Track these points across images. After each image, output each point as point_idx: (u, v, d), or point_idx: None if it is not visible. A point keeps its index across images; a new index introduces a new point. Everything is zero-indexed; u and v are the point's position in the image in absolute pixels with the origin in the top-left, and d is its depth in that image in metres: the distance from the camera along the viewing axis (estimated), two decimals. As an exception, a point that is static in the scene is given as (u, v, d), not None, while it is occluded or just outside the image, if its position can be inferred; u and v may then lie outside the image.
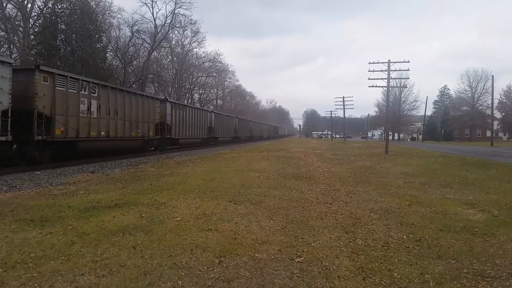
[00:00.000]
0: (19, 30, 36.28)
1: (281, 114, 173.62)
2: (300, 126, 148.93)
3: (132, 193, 9.09)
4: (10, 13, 36.00)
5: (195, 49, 67.87)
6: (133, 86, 46.79)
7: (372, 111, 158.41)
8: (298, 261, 4.66)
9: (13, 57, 35.03)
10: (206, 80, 75.59)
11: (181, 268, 4.31)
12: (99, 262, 4.40)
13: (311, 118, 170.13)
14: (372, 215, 7.43)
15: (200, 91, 77.50)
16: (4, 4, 34.79)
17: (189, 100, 69.53)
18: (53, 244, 5.00)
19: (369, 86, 32.83)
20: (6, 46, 36.88)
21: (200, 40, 64.63)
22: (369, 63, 31.64)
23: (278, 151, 29.14)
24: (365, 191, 10.45)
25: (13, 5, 35.87)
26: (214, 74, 77.22)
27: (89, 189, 9.74)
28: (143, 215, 6.68)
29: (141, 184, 10.57)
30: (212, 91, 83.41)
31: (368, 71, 31.72)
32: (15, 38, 36.45)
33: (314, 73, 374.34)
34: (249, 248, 5.09)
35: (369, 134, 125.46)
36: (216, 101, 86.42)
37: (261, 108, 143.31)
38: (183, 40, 64.47)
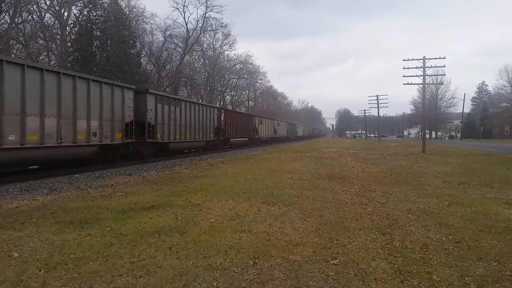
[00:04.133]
0: (57, 38, 37.71)
1: (313, 114, 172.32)
2: (332, 126, 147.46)
3: (167, 194, 9.25)
4: (48, 21, 37.51)
5: (226, 52, 68.51)
6: (166, 90, 47.67)
7: (408, 109, 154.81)
8: (333, 263, 4.60)
9: (51, 64, 36.43)
10: (237, 82, 76.16)
11: (216, 269, 4.34)
12: (136, 263, 4.49)
13: (344, 118, 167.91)
14: (410, 216, 7.24)
15: (232, 93, 78.09)
16: (43, 14, 36.28)
17: (221, 103, 70.16)
18: (92, 245, 5.15)
19: (403, 84, 31.90)
20: (45, 53, 38.42)
21: (231, 42, 65.17)
22: (404, 60, 30.78)
23: (310, 152, 28.92)
24: (402, 191, 10.20)
25: (51, 14, 37.38)
26: (245, 76, 77.66)
27: (126, 191, 9.99)
28: (178, 217, 6.78)
29: (175, 186, 10.74)
30: (243, 92, 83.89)
31: (403, 69, 31.03)
32: (53, 45, 37.90)
33: (345, 72, 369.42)
34: (283, 249, 5.07)
35: (405, 133, 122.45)
36: (248, 103, 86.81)
37: (293, 109, 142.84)
38: (214, 43, 65.23)
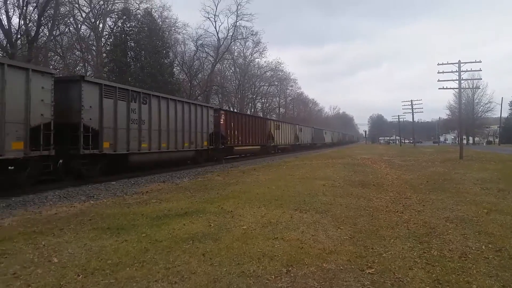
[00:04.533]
0: (93, 49, 39.01)
1: (345, 121, 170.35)
2: (365, 132, 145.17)
3: (200, 201, 9.34)
4: (84, 33, 38.87)
5: (256, 59, 68.83)
6: (198, 98, 48.35)
7: (443, 114, 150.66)
8: (369, 272, 4.51)
9: (88, 74, 37.67)
10: (268, 89, 76.25)
11: (249, 276, 4.34)
12: (171, 269, 4.55)
13: (377, 123, 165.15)
14: (448, 224, 7.02)
15: (263, 100, 78.31)
16: (79, 26, 37.68)
17: (252, 110, 70.45)
18: (128, 251, 5.26)
19: (438, 88, 31.18)
20: (82, 64, 39.79)
21: (261, 50, 65.46)
22: (438, 64, 29.98)
23: (343, 158, 28.56)
24: (439, 199, 9.91)
25: (86, 26, 38.75)
26: (276, 83, 77.73)
27: (161, 198, 10.16)
28: (211, 223, 6.83)
29: (208, 193, 10.84)
30: (274, 99, 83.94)
31: (437, 73, 30.20)
32: (89, 56, 39.22)
33: (378, 77, 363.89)
34: (316, 257, 5.01)
35: (441, 138, 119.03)
36: (279, 109, 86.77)
37: (324, 115, 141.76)
38: (245, 51, 65.68)
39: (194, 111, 21.95)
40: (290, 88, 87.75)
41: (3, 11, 27.32)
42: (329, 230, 6.46)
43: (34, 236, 6.07)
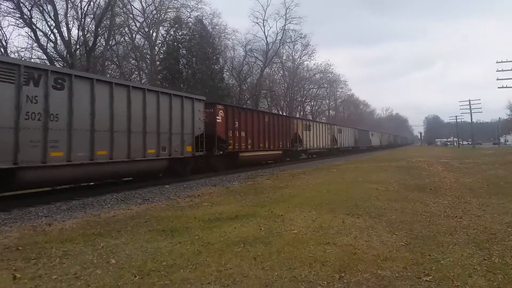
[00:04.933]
0: (147, 57, 40.58)
1: (398, 122, 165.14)
2: (420, 133, 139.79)
3: (250, 205, 9.40)
4: (139, 42, 40.51)
5: (305, 62, 68.48)
6: (247, 102, 48.84)
7: (503, 114, 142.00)
8: (426, 280, 4.32)
9: (142, 82, 39.19)
10: (317, 92, 75.53)
11: (301, 281, 4.30)
12: (223, 272, 4.61)
13: (433, 125, 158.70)
14: (510, 229, 6.61)
15: (312, 103, 77.67)
16: (134, 35, 39.32)
17: (301, 113, 70.06)
18: (182, 253, 5.39)
19: (498, 87, 29.42)
20: (137, 72, 41.49)
21: (310, 52, 65.05)
22: (497, 62, 28.44)
23: (397, 161, 27.66)
24: (500, 203, 9.34)
25: (141, 35, 40.39)
26: (326, 85, 76.84)
27: (212, 201, 10.34)
28: (262, 227, 6.85)
29: (258, 197, 10.88)
30: (323, 102, 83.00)
31: (496, 71, 28.63)
32: (144, 64, 40.85)
33: (433, 77, 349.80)
34: (370, 264, 4.87)
35: (502, 140, 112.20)
36: (328, 112, 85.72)
37: (376, 117, 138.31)
38: (293, 54, 65.54)
39: (167, 103, 15.39)
40: (340, 90, 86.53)
41: (63, 23, 29.14)
42: (383, 236, 6.27)
43: (93, 238, 6.36)
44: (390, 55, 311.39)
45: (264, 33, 56.21)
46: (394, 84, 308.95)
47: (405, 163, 24.96)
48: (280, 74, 65.69)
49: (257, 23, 56.94)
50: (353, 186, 12.86)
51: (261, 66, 54.87)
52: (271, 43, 55.03)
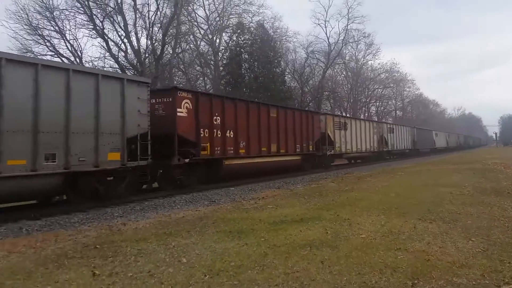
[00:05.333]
0: (211, 63, 41.75)
1: (471, 122, 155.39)
2: (496, 134, 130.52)
3: (315, 208, 9.31)
4: (203, 49, 41.80)
5: (369, 62, 66.67)
6: (309, 104, 48.49)
7: None
8: (508, 289, 4.02)
9: (206, 87, 40.36)
10: (382, 92, 73.18)
11: (371, 287, 4.17)
12: (290, 274, 4.59)
13: (509, 125, 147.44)
14: None
15: (377, 103, 75.38)
16: (198, 42, 40.66)
17: (366, 114, 68.28)
18: (249, 254, 5.45)
19: None
20: (201, 78, 42.81)
21: (374, 52, 63.18)
22: None
23: (471, 163, 26.03)
24: None
25: (205, 42, 41.72)
26: (392, 85, 74.18)
27: (276, 203, 10.37)
28: (328, 231, 6.75)
29: (323, 200, 10.74)
30: (389, 102, 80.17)
31: None
32: (208, 70, 42.06)
33: (508, 74, 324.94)
34: (445, 271, 4.62)
35: None
36: (395, 112, 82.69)
37: (447, 117, 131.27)
38: (356, 54, 64.11)
39: (61, 84, 9.81)
40: (407, 89, 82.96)
41: (132, 33, 30.83)
42: (458, 242, 5.92)
43: (165, 237, 6.63)
44: (459, 51, 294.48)
45: (326, 34, 55.44)
46: (465, 82, 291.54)
47: (480, 165, 23.41)
48: (343, 75, 64.59)
49: (318, 24, 56.68)
50: (423, 189, 12.30)
51: (323, 67, 54.25)
52: (333, 44, 54.28)
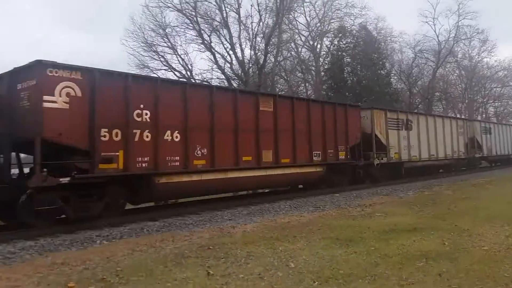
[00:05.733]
0: (312, 69, 41.64)
1: None
2: None
3: (429, 217, 8.78)
4: (304, 55, 41.86)
5: (485, 59, 60.61)
6: (419, 107, 45.74)
7: None
8: None
9: (308, 93, 40.36)
10: (501, 91, 66.02)
11: (498, 305, 3.80)
12: (405, 286, 4.39)
13: None
14: None
15: (496, 103, 68.19)
16: (299, 49, 40.90)
17: (483, 115, 62.18)
18: (358, 263, 5.31)
19: None
20: (303, 85, 42.92)
21: (489, 48, 57.31)
22: None
23: None
24: None
25: (306, 48, 41.71)
26: (511, 83, 66.59)
27: (385, 211, 9.95)
28: (445, 242, 6.31)
29: (437, 208, 10.06)
30: (510, 102, 71.94)
31: None
32: (309, 76, 42.01)
33: None
34: None
35: None
36: (518, 113, 73.89)
37: None
38: (470, 51, 58.79)
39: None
40: (530, 87, 73.70)
41: (237, 45, 32.14)
42: None
43: (272, 242, 6.77)
44: None
45: (435, 31, 51.79)
46: None
47: None
48: (455, 74, 59.70)
49: (426, 22, 52.72)
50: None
51: (433, 67, 50.77)
52: (444, 42, 50.45)
